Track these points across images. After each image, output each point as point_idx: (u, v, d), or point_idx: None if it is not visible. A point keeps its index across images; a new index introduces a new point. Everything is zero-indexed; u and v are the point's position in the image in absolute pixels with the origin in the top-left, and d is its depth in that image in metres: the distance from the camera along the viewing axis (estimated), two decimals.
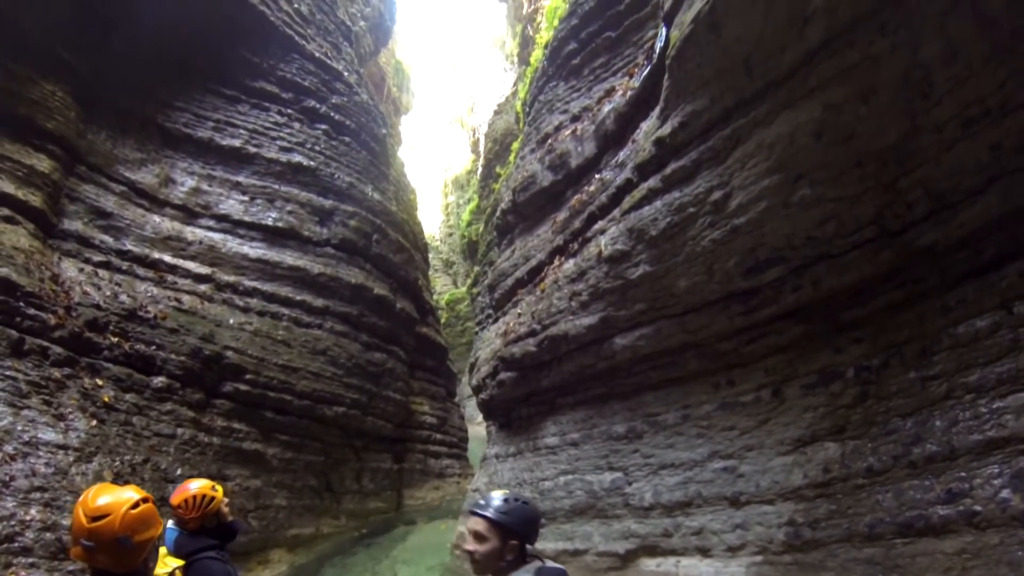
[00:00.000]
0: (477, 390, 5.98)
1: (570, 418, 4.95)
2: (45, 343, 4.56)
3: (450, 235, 17.25)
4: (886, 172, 3.29)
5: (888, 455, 3.27)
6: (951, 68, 2.90)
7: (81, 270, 5.23)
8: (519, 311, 5.64)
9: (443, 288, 14.64)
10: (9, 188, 4.84)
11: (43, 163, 5.18)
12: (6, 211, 4.79)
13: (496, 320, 6.21)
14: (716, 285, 4.00)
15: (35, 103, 5.23)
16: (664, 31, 5.19)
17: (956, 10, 2.78)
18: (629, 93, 5.84)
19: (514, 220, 7.20)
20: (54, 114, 5.38)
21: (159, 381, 5.35)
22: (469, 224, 15.63)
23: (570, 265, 5.28)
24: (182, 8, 7.02)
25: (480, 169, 17.02)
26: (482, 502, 1.67)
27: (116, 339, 5.09)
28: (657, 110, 5.18)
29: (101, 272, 5.44)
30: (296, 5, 9.34)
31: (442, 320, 12.50)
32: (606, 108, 6.21)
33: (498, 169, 14.31)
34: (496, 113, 17.20)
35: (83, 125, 5.83)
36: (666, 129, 4.79)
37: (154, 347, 5.35)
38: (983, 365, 3.06)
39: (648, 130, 5.25)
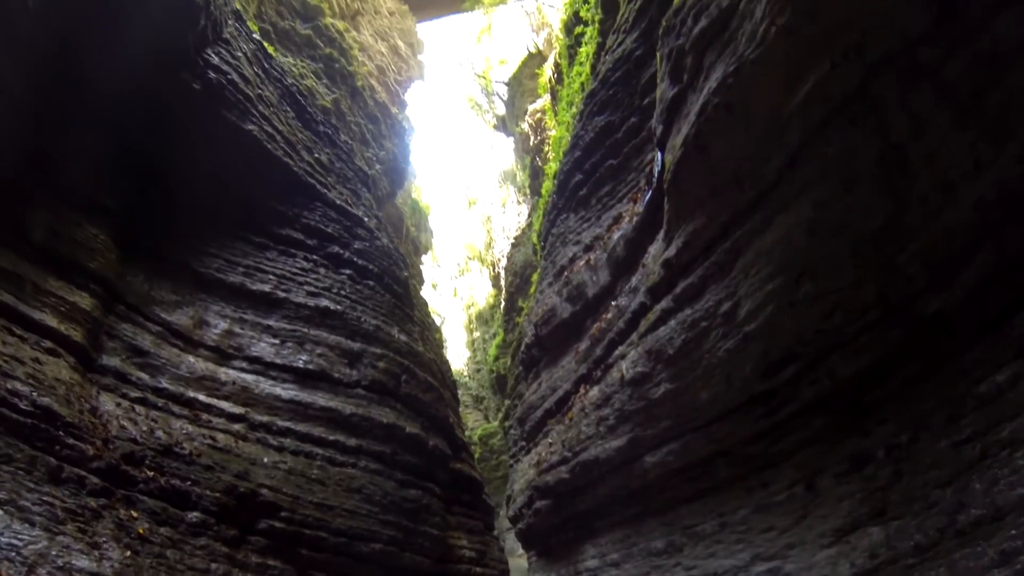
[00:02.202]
0: (515, 520, 6.10)
1: (608, 539, 5.04)
2: (83, 472, 4.84)
3: (478, 370, 17.69)
4: (882, 253, 3.56)
5: (933, 529, 3.28)
6: (922, 142, 3.23)
7: (118, 404, 5.63)
8: (550, 440, 5.89)
9: (475, 423, 14.85)
10: (52, 322, 5.35)
11: (84, 300, 5.74)
12: (49, 343, 5.26)
13: (529, 451, 6.43)
14: (736, 392, 4.27)
15: (79, 244, 5.90)
16: (659, 156, 5.85)
17: (916, 89, 3.19)
18: (635, 219, 6.42)
19: (538, 353, 7.62)
20: (96, 255, 6.03)
21: (194, 516, 5.54)
22: (496, 358, 16.10)
23: (595, 392, 5.60)
24: (212, 163, 7.98)
25: (503, 303, 17.74)
26: None
27: (152, 473, 5.39)
28: (662, 232, 5.71)
29: (138, 408, 5.83)
30: (316, 155, 10.41)
31: (476, 455, 12.61)
32: (616, 236, 6.77)
33: (520, 302, 14.96)
34: (514, 246, 18.18)
35: (122, 267, 6.49)
36: (672, 251, 5.28)
37: (189, 483, 5.62)
38: (1011, 418, 3.12)
39: (656, 253, 5.75)
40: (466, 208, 23.43)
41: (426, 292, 19.08)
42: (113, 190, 6.58)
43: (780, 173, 3.98)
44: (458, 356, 19.49)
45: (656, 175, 5.99)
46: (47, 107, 6.04)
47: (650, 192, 6.23)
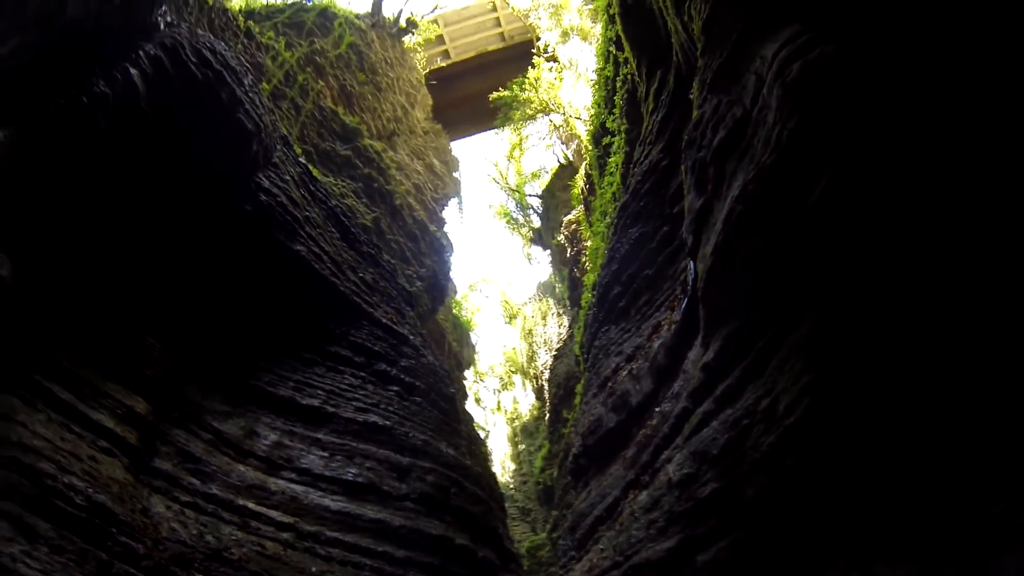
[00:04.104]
0: None
1: None
2: (132, 570, 5.18)
3: (524, 483, 17.75)
4: None
5: None
6: None
7: (169, 507, 6.08)
8: (601, 547, 6.13)
9: (522, 535, 14.79)
10: (109, 423, 5.95)
11: (140, 405, 6.39)
12: (105, 443, 5.81)
13: (580, 559, 6.63)
14: (781, 486, 4.56)
15: (138, 352, 6.66)
16: (692, 265, 6.41)
17: None
18: (673, 327, 6.90)
19: (586, 463, 7.94)
20: (153, 363, 6.76)
21: None
22: (543, 470, 16.21)
23: (644, 496, 5.89)
24: (262, 282, 8.82)
25: (547, 415, 18.01)
26: None
27: None
28: (699, 338, 6.16)
29: (188, 512, 6.27)
30: (361, 274, 11.24)
31: (525, 567, 12.58)
32: (656, 344, 7.23)
33: (565, 413, 15.25)
34: (556, 358, 18.65)
35: (177, 376, 7.17)
36: (709, 355, 5.71)
37: None
38: None
39: (694, 358, 6.18)
40: (506, 322, 24.20)
41: (470, 406, 19.50)
42: (172, 306, 7.42)
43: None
44: (504, 469, 19.57)
45: (690, 283, 6.53)
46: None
47: (686, 300, 6.74)
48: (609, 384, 8.10)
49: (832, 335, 4.41)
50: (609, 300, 9.43)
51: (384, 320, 11.16)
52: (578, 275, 16.30)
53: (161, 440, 6.59)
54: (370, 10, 15.43)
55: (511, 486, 17.85)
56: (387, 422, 9.21)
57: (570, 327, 17.62)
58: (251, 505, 6.87)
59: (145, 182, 7.16)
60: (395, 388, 10.11)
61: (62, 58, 5.68)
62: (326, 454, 8.18)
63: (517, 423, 20.69)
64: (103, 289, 6.80)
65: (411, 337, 11.72)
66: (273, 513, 6.98)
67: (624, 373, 7.97)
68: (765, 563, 4.61)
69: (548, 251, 20.57)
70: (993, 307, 3.54)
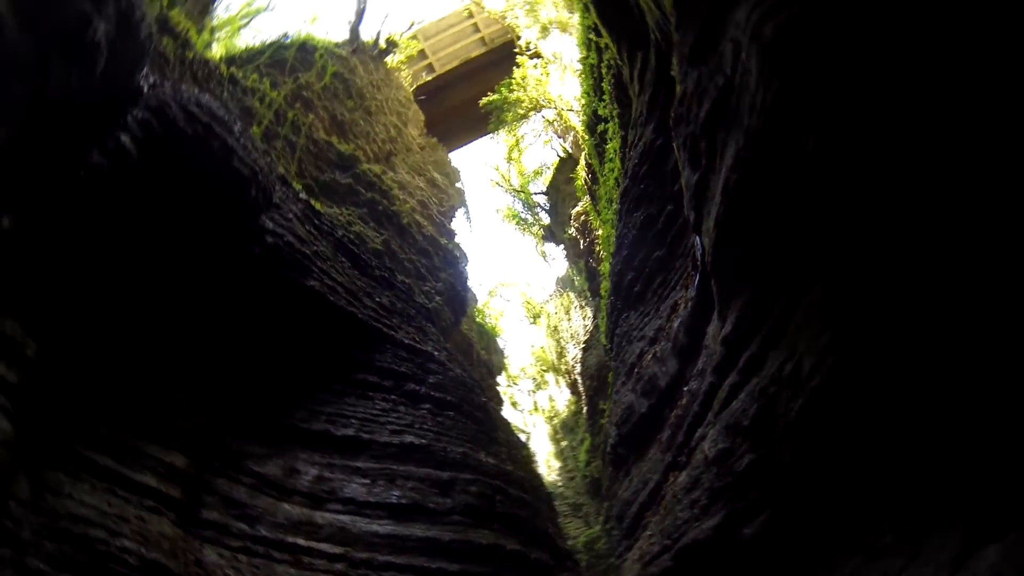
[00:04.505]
0: None
1: None
2: None
3: (571, 478, 17.77)
4: None
5: None
6: None
7: (221, 555, 6.26)
8: (649, 533, 6.14)
9: (576, 531, 14.82)
10: (153, 482, 6.16)
11: (180, 460, 6.61)
12: (151, 502, 6.02)
13: (631, 548, 6.65)
14: (816, 449, 4.54)
15: (170, 408, 6.83)
16: (698, 241, 6.40)
17: None
18: (689, 304, 6.89)
19: (624, 451, 7.95)
20: (186, 418, 6.95)
21: None
22: (588, 463, 16.22)
23: (683, 477, 5.89)
24: (279, 322, 8.95)
25: (584, 408, 18.02)
26: None
27: None
28: (715, 312, 6.16)
29: (240, 556, 6.46)
30: (378, 299, 11.33)
31: (583, 561, 12.60)
32: (675, 324, 7.22)
33: (601, 404, 15.23)
34: (584, 350, 18.63)
35: (212, 427, 7.37)
36: (728, 328, 5.69)
37: None
38: None
39: (714, 333, 6.17)
40: (530, 322, 24.23)
41: (507, 411, 19.56)
42: (200, 357, 7.58)
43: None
44: (549, 467, 19.59)
45: (699, 259, 6.52)
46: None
47: (697, 276, 6.74)
48: (636, 370, 8.11)
49: (845, 292, 4.39)
50: (624, 287, 9.42)
51: (407, 341, 11.26)
52: (594, 265, 16.28)
53: (205, 491, 6.73)
54: (348, 36, 15.54)
55: (559, 484, 17.87)
56: (423, 440, 9.30)
57: (594, 318, 17.62)
58: (301, 541, 6.99)
59: (151, 240, 7.31)
60: (427, 406, 10.20)
61: (52, 137, 5.81)
62: (368, 481, 8.29)
63: (556, 420, 20.69)
64: (130, 354, 6.97)
65: (435, 353, 11.79)
66: (323, 546, 7.09)
67: (649, 357, 7.97)
68: (812, 531, 4.60)
69: (561, 246, 20.55)
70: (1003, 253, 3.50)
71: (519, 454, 12.27)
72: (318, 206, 11.88)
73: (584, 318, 19.42)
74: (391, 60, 16.95)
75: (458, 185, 20.70)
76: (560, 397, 21.50)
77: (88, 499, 5.34)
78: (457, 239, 19.85)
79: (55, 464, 5.39)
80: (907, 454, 4.21)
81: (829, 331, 4.52)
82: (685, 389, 6.63)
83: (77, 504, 5.22)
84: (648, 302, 8.61)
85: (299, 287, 9.43)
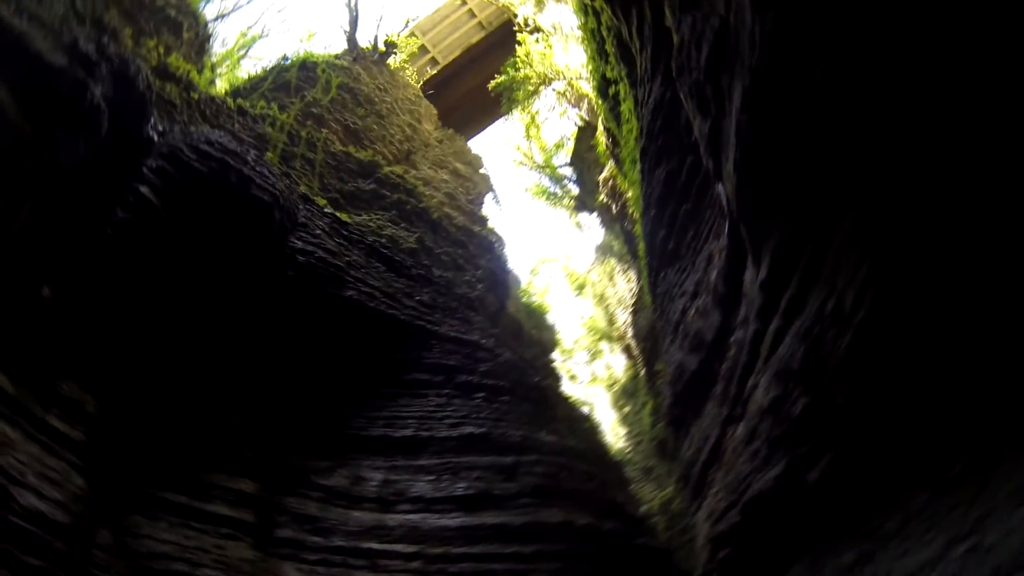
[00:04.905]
0: None
1: (799, 570, 5.00)
2: None
3: (639, 443, 17.67)
4: None
5: None
6: None
7: (300, 570, 6.45)
8: (715, 489, 6.01)
9: (651, 494, 14.79)
10: (225, 511, 6.39)
11: (248, 485, 6.83)
12: (226, 530, 6.23)
13: (700, 507, 6.55)
14: (868, 386, 4.34)
15: (233, 438, 7.04)
16: (720, 188, 6.19)
17: None
18: (723, 253, 6.67)
19: (681, 411, 7.78)
20: (248, 444, 7.17)
21: None
22: (652, 425, 16.08)
23: (741, 430, 5.72)
24: (324, 335, 9.08)
25: (643, 371, 17.86)
26: None
27: None
28: (750, 258, 5.95)
29: (319, 568, 6.63)
30: (417, 297, 11.35)
31: (660, 524, 12.54)
32: (713, 276, 7.02)
33: (657, 365, 15.06)
34: (634, 313, 18.43)
35: (274, 449, 7.55)
36: (763, 272, 5.49)
37: None
38: None
39: (751, 279, 5.96)
40: (576, 294, 24.07)
41: (565, 386, 19.51)
42: (247, 387, 7.75)
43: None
44: (615, 435, 19.52)
45: (725, 206, 6.31)
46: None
47: (726, 223, 6.53)
48: (680, 327, 7.93)
49: (877, 219, 4.17)
50: (658, 245, 9.22)
51: (452, 334, 11.28)
52: (629, 227, 16.03)
53: (277, 511, 6.89)
54: (347, 46, 15.52)
55: (627, 450, 17.80)
56: (482, 429, 9.32)
57: (638, 280, 17.39)
58: (375, 545, 7.11)
59: (188, 278, 7.45)
60: (481, 395, 10.21)
61: (73, 202, 5.96)
62: (433, 477, 8.37)
63: (616, 387, 20.58)
64: (185, 391, 7.15)
65: (483, 341, 11.79)
66: (397, 547, 7.19)
67: (692, 312, 7.79)
68: (876, 470, 4.42)
69: (594, 213, 20.29)
70: None
71: (581, 427, 12.23)
72: (345, 217, 11.95)
73: (628, 281, 19.20)
74: (393, 61, 16.88)
75: (482, 171, 20.57)
76: (617, 363, 21.35)
77: (166, 536, 5.52)
78: (490, 224, 19.78)
79: (131, 508, 5.58)
80: (967, 381, 4.00)
81: (866, 262, 4.31)
82: (731, 340, 6.44)
83: (156, 543, 5.41)
84: (683, 257, 8.40)
85: (337, 299, 9.53)
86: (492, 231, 19.31)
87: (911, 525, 4.26)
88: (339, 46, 15.50)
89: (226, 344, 7.83)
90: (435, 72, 19.15)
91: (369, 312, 10.02)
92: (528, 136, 20.65)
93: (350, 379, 9.37)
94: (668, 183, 8.45)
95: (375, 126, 15.05)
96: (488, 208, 20.40)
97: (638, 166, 10.95)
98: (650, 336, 16.42)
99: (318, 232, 10.30)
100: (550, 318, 22.75)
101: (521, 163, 21.66)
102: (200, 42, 10.83)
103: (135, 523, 5.47)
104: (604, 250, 21.77)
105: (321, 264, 9.65)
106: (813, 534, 4.94)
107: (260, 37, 14.77)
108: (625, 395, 19.62)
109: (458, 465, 8.68)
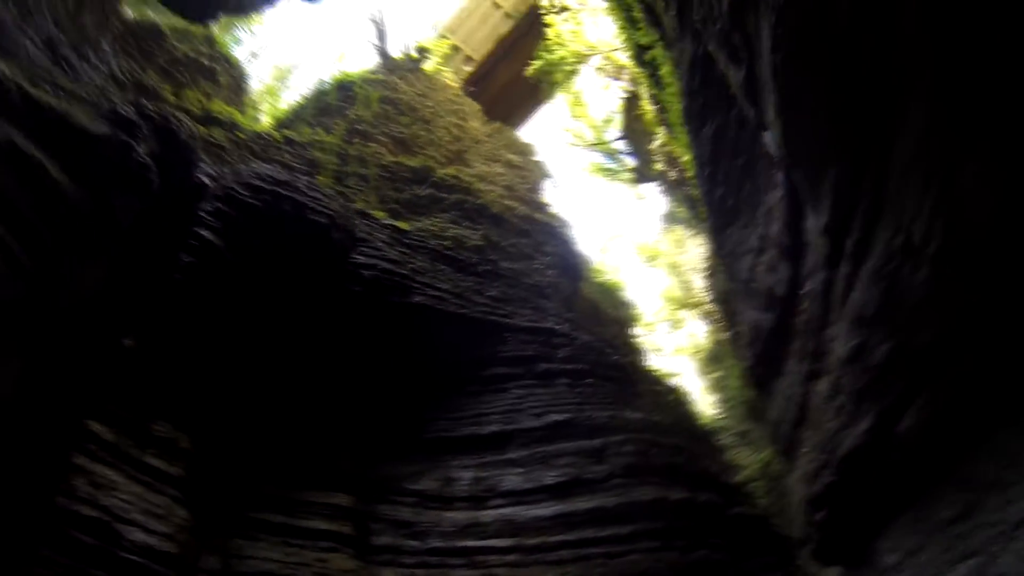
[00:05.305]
0: (804, 542, 5.88)
1: (899, 528, 4.65)
2: None
3: (731, 407, 17.17)
4: None
5: None
6: None
7: (400, 574, 6.53)
8: (805, 450, 5.71)
9: (748, 459, 14.32)
10: (323, 525, 6.53)
11: (342, 499, 6.96)
12: (326, 543, 6.37)
13: (793, 469, 6.25)
14: (952, 323, 3.98)
15: (324, 455, 7.22)
16: (767, 136, 5.86)
17: None
18: (781, 203, 6.33)
19: (762, 371, 7.44)
20: (339, 459, 7.34)
21: None
22: (743, 388, 15.56)
23: (823, 385, 5.40)
24: (398, 345, 9.17)
25: (726, 334, 17.34)
26: None
27: None
28: (808, 205, 5.61)
29: (418, 571, 6.69)
30: (488, 293, 11.32)
31: (761, 488, 12.11)
32: (775, 228, 6.68)
33: (738, 327, 14.58)
34: (708, 277, 17.91)
35: (364, 460, 7.70)
36: (824, 217, 5.17)
37: None
38: None
39: (812, 226, 5.61)
40: (649, 266, 23.58)
41: (650, 359, 19.16)
42: (331, 404, 7.91)
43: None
44: (705, 403, 19.02)
45: (775, 154, 5.98)
46: None
47: (779, 172, 6.20)
48: (751, 285, 7.57)
49: (938, 136, 3.83)
50: (717, 204, 8.85)
51: (526, 324, 11.20)
52: (690, 192, 15.58)
53: (372, 519, 7.03)
54: (380, 60, 15.66)
55: (719, 417, 17.31)
56: (566, 415, 9.21)
57: (707, 243, 16.85)
58: (471, 543, 7.13)
59: (259, 309, 7.68)
60: (562, 380, 10.09)
61: (141, 256, 6.23)
62: (522, 469, 8.33)
63: (701, 354, 20.05)
64: (272, 416, 7.38)
65: (558, 327, 11.66)
66: (493, 542, 7.19)
67: (760, 268, 7.43)
68: (970, 413, 4.06)
69: (654, 183, 19.80)
70: None
71: (668, 400, 11.95)
72: (405, 225, 12.03)
73: (698, 246, 18.66)
74: (428, 66, 16.91)
75: (535, 158, 20.34)
76: (699, 330, 20.81)
77: (268, 555, 5.73)
78: (552, 209, 19.59)
79: (233, 532, 5.81)
80: None
81: (931, 188, 3.96)
82: (803, 292, 6.10)
83: (260, 561, 5.62)
84: (744, 213, 8.03)
85: (407, 306, 9.61)
86: (555, 216, 19.08)
87: (1011, 471, 3.89)
88: (371, 61, 15.67)
89: (305, 365, 8.02)
90: (471, 69, 19.06)
91: (440, 315, 10.08)
92: (575, 116, 20.26)
93: (430, 383, 9.45)
94: (717, 140, 8.10)
95: (422, 132, 15.12)
96: (548, 194, 20.21)
97: (686, 128, 10.61)
98: (727, 298, 15.90)
99: (379, 244, 10.42)
100: (626, 294, 22.36)
101: (574, 144, 21.31)
102: (237, 83, 11.19)
103: (238, 546, 5.71)
104: (670, 218, 21.23)
105: (386, 275, 9.75)
106: (911, 488, 4.61)
107: (294, 68, 15.18)
108: (711, 361, 19.09)
109: (546, 454, 8.61)
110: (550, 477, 8.19)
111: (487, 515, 7.60)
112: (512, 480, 8.19)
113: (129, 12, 10.10)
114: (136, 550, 4.84)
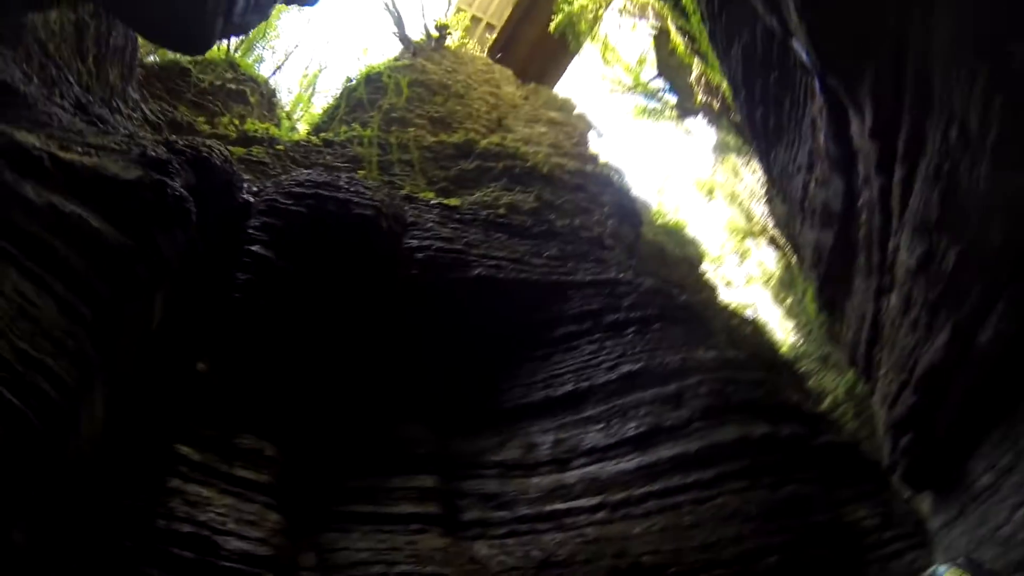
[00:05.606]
0: (891, 468, 5.45)
1: (990, 447, 4.18)
2: None
3: (809, 332, 16.31)
4: None
5: None
6: None
7: (490, 546, 6.45)
8: (883, 371, 5.26)
9: (833, 382, 13.62)
10: (410, 509, 6.52)
11: (427, 481, 6.92)
12: (416, 526, 6.35)
13: (873, 391, 5.80)
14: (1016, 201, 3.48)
15: (403, 440, 7.27)
16: (795, 44, 5.35)
17: None
18: (823, 112, 5.80)
19: (830, 293, 6.94)
20: (419, 442, 7.35)
21: None
22: (818, 311, 14.78)
23: (894, 299, 4.93)
24: (463, 320, 9.07)
25: (793, 257, 16.51)
26: None
27: None
28: (851, 109, 5.08)
29: (508, 540, 6.59)
30: (546, 253, 11.07)
31: (849, 412, 11.51)
32: (821, 139, 6.16)
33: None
34: (767, 202, 17.07)
35: (442, 440, 7.67)
36: (868, 119, 4.67)
37: None
38: None
39: (858, 131, 5.09)
40: (707, 200, 22.61)
41: (722, 294, 18.48)
42: (403, 390, 7.89)
43: None
44: (783, 330, 18.20)
45: (807, 61, 5.48)
46: None
47: (815, 79, 5.68)
48: (805, 204, 7.04)
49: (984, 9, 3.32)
50: (759, 125, 8.26)
51: (587, 279, 10.91)
52: (735, 118, 14.75)
53: (458, 496, 7.02)
54: (401, 46, 15.41)
55: (799, 343, 16.51)
56: (639, 364, 8.92)
57: (759, 168, 15.97)
58: (559, 506, 7.02)
59: (320, 309, 7.70)
60: (631, 329, 9.78)
61: (197, 283, 6.33)
62: (602, 425, 8.13)
63: (773, 282, 19.14)
64: (350, 410, 7.47)
65: (620, 276, 11.30)
66: (580, 502, 7.05)
67: (813, 185, 6.89)
68: None
69: (698, 115, 18.85)
70: None
71: (742, 334, 11.48)
72: (454, 202, 11.89)
73: (753, 172, 17.69)
74: (451, 42, 16.53)
75: (576, 112, 19.73)
76: (767, 257, 19.84)
77: (361, 544, 5.82)
78: (603, 160, 19.01)
79: (325, 527, 5.91)
80: None
81: (983, 65, 3.45)
82: (860, 204, 5.59)
83: (353, 552, 5.72)
84: (788, 130, 7.45)
85: (465, 280, 9.51)
86: (606, 165, 18.51)
87: None
88: (394, 50, 15.44)
89: (373, 354, 8.04)
90: (495, 36, 18.51)
91: (500, 283, 9.93)
92: (607, 62, 19.41)
93: (499, 353, 9.34)
94: (747, 58, 7.52)
95: (458, 107, 14.86)
96: (595, 145, 19.60)
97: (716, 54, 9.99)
98: (787, 221, 15.08)
99: (430, 225, 10.32)
100: (689, 232, 21.59)
101: (612, 90, 20.50)
102: (267, 100, 11.27)
103: (331, 540, 5.81)
104: (720, 148, 20.19)
105: (441, 253, 9.66)
106: (999, 403, 4.14)
107: (320, 72, 15.15)
108: (784, 287, 18.19)
109: (624, 406, 8.37)
110: (630, 429, 7.98)
111: (571, 476, 7.47)
112: (592, 437, 8.02)
113: (151, 56, 10.31)
114: (235, 557, 5.00)
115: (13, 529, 3.82)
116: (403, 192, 11.10)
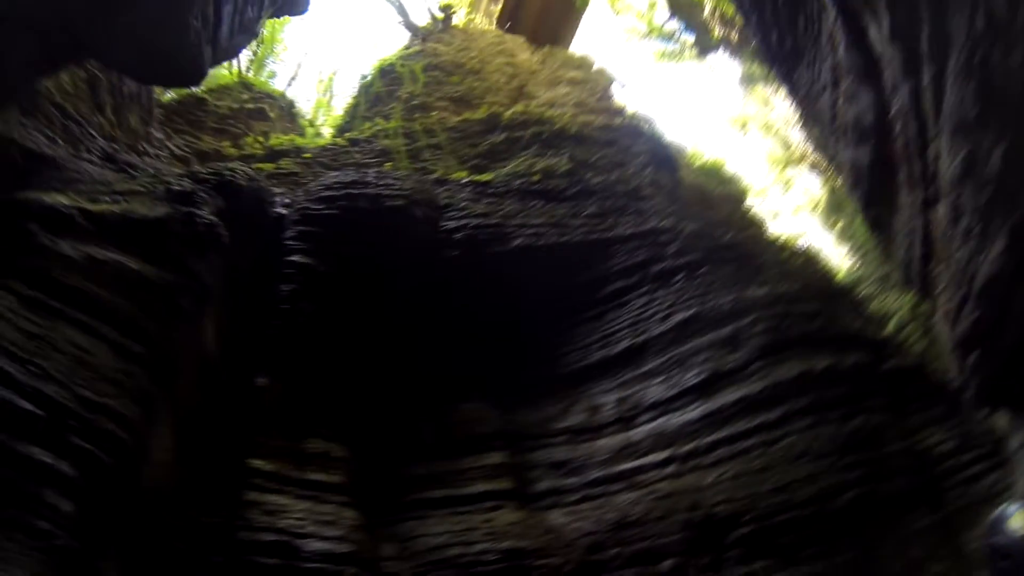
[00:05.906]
0: (961, 390, 5.05)
1: None
2: None
3: (864, 253, 15.50)
4: None
5: None
6: None
7: (565, 513, 6.39)
8: (940, 289, 4.86)
9: (896, 302, 12.88)
10: (482, 487, 6.56)
11: (495, 457, 6.93)
12: (490, 503, 6.36)
13: (935, 310, 5.38)
14: None
15: (466, 422, 7.25)
16: None
17: None
18: (839, 22, 5.38)
19: (876, 211, 6.45)
20: (485, 421, 7.32)
21: (667, 564, 5.84)
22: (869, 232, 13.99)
23: (942, 211, 4.51)
24: (510, 294, 8.95)
25: (838, 180, 15.65)
26: None
27: (616, 550, 5.91)
28: (867, 14, 4.66)
29: (582, 506, 6.51)
30: (585, 213, 10.78)
31: (916, 331, 10.92)
32: (841, 52, 5.72)
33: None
34: (803, 126, 16.19)
35: (507, 415, 7.64)
36: (886, 21, 4.28)
37: (650, 539, 5.98)
38: None
39: (877, 37, 4.68)
40: (742, 135, 21.67)
41: (771, 227, 17.75)
42: (462, 372, 7.85)
43: None
44: (838, 254, 17.36)
45: None
46: None
47: None
48: (836, 122, 6.57)
49: None
50: (776, 49, 7.74)
51: (628, 232, 10.60)
52: (755, 46, 13.93)
53: (528, 468, 6.99)
54: (409, 34, 15.16)
55: (856, 267, 15.70)
56: (691, 310, 8.64)
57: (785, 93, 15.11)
58: (628, 465, 6.90)
59: (369, 303, 7.73)
60: (679, 276, 9.47)
61: (249, 301, 6.42)
62: (662, 377, 7.95)
63: (820, 208, 18.27)
64: (410, 398, 7.51)
65: (661, 224, 10.93)
66: (649, 458, 6.91)
67: (840, 102, 6.42)
68: None
69: (719, 50, 18.03)
70: None
71: (794, 264, 10.94)
72: (486, 177, 11.73)
73: (784, 99, 16.81)
74: (457, 21, 16.15)
75: (596, 68, 19.12)
76: (811, 184, 18.93)
77: (437, 529, 5.87)
78: (630, 111, 18.42)
79: (401, 517, 5.99)
80: None
81: None
82: (892, 114, 5.14)
83: (431, 537, 5.77)
84: (807, 50, 6.94)
85: (506, 253, 9.38)
86: (635, 116, 17.91)
87: None
88: (403, 39, 15.19)
89: (425, 340, 8.04)
90: (500, 6, 18.00)
91: (542, 250, 9.77)
92: (618, 12, 18.75)
93: (550, 319, 9.20)
94: None
95: (476, 83, 14.60)
96: (621, 97, 18.99)
97: None
98: (822, 144, 14.24)
99: (463, 204, 10.18)
100: (729, 169, 20.77)
101: (628, 40, 19.78)
102: (287, 112, 11.28)
103: (409, 528, 5.88)
104: (747, 80, 19.29)
105: (478, 230, 9.56)
106: None
107: (335, 75, 15.07)
108: (832, 211, 17.33)
109: (682, 355, 8.14)
110: (691, 378, 7.77)
111: (638, 432, 7.33)
112: (655, 391, 7.85)
113: (168, 93, 10.44)
114: (317, 557, 5.12)
115: (100, 560, 3.98)
116: (435, 176, 10.99)
